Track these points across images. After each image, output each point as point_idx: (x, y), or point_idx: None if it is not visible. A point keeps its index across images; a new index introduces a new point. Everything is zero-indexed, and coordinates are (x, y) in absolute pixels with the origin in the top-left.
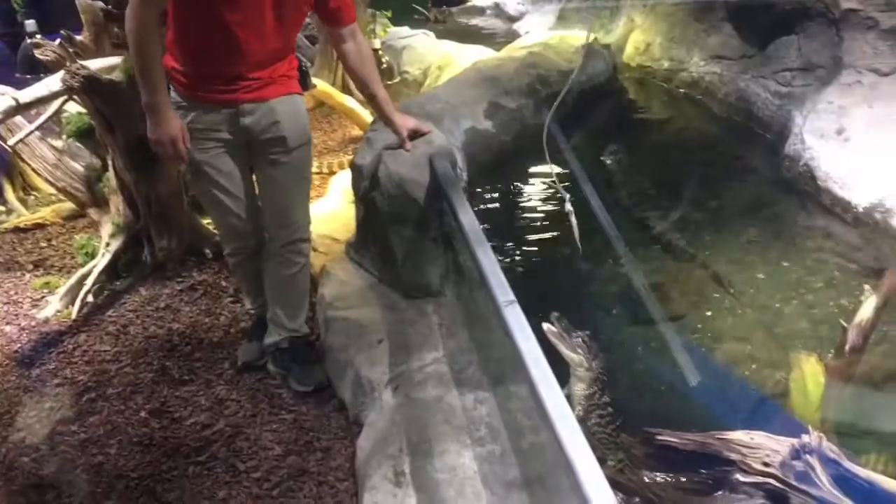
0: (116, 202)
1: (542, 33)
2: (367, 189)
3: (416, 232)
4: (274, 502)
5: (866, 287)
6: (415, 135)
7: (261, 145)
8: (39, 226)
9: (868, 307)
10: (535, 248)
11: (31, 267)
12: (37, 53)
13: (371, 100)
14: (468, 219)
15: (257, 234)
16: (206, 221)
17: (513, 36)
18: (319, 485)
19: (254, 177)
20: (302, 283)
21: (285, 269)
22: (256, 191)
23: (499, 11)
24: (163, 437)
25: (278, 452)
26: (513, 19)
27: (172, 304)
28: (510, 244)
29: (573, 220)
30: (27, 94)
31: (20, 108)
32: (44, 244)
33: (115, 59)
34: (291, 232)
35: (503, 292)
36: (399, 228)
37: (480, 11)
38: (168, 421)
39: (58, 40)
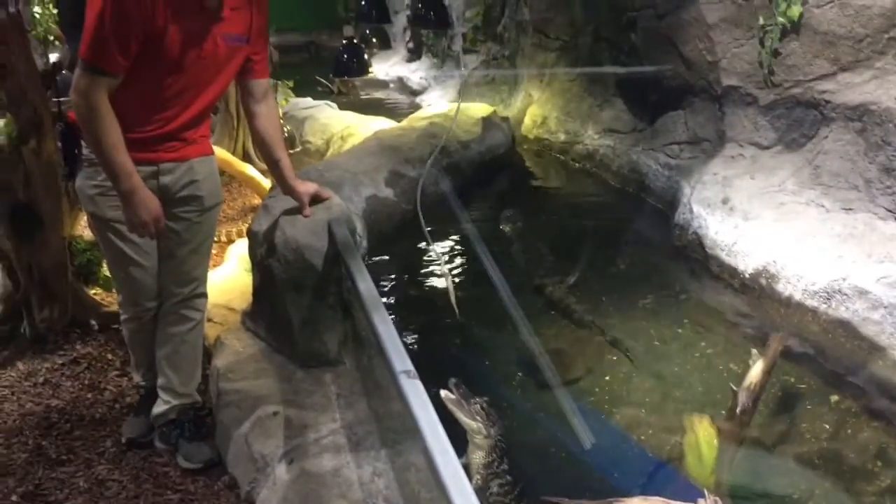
0: None
1: (443, 105)
2: (264, 255)
3: (314, 299)
4: None
5: (753, 351)
6: (315, 200)
7: (175, 203)
8: None
9: (756, 370)
10: (434, 316)
11: None
12: None
13: (274, 165)
14: (366, 286)
15: (160, 297)
16: (92, 291)
17: (415, 109)
18: None
19: None
20: (194, 343)
21: (179, 327)
22: None
23: (401, 85)
24: None
25: None
26: (415, 93)
27: (52, 378)
28: (409, 313)
29: (449, 283)
30: None
31: None
32: None
33: None
34: (192, 288)
35: (401, 361)
36: (296, 296)
37: (384, 85)
38: None
39: None
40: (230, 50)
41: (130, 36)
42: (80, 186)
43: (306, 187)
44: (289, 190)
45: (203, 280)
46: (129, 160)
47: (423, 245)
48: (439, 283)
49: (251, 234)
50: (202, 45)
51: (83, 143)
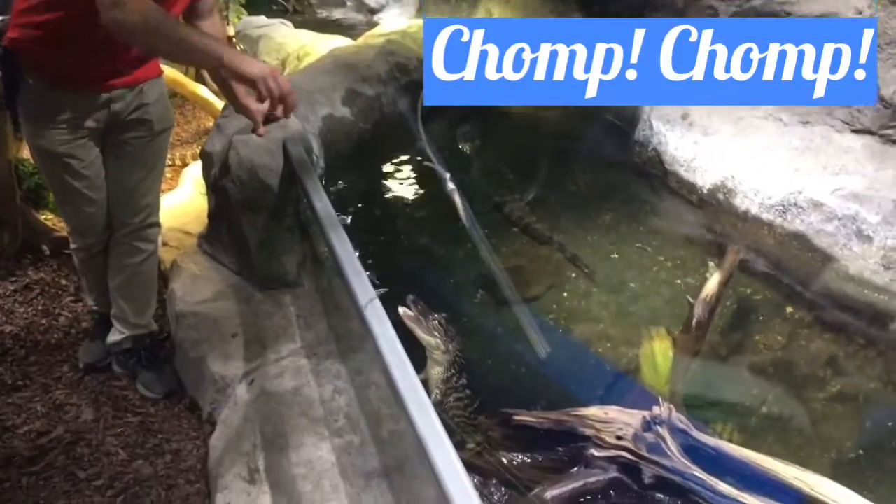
0: None
1: (401, 22)
2: (218, 177)
3: (271, 220)
4: None
5: (710, 264)
6: (269, 119)
7: (123, 128)
8: None
9: (712, 283)
10: (393, 235)
11: None
12: None
13: (222, 82)
14: (323, 206)
15: (110, 228)
16: (43, 217)
17: (373, 27)
18: (168, 489)
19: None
20: (148, 274)
21: (131, 258)
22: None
23: (359, 4)
24: None
25: (123, 458)
26: (373, 11)
27: (5, 304)
28: (367, 231)
29: (457, 198)
30: None
31: None
32: None
33: None
34: (143, 217)
35: (359, 280)
36: (252, 217)
37: (340, 3)
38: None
39: None
40: None
41: None
42: (25, 117)
43: (258, 104)
44: (240, 107)
45: (155, 209)
46: (207, 35)
47: (395, 168)
48: (397, 201)
49: (204, 156)
50: None
51: (25, 69)
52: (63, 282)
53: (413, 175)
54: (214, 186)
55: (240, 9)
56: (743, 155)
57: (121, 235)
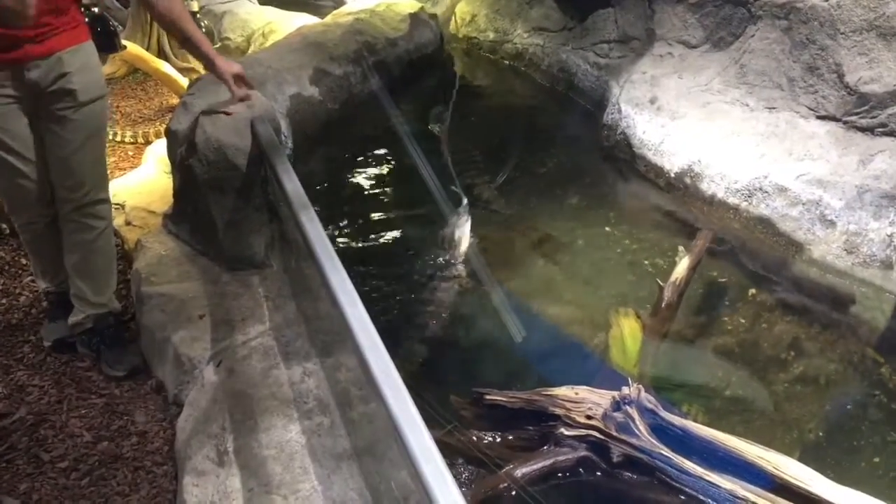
0: None
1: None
2: (184, 156)
3: (238, 200)
4: (83, 492)
5: (680, 248)
6: (239, 81)
7: (48, 99)
8: None
9: (682, 266)
10: (362, 218)
11: None
12: None
13: (185, 42)
14: (293, 186)
15: (52, 205)
16: None
17: (339, 5)
18: (135, 470)
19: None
20: (104, 251)
21: (82, 235)
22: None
23: None
24: None
25: (88, 439)
26: None
27: None
28: (337, 212)
29: (466, 227)
30: None
31: None
32: None
33: None
34: (84, 193)
35: (331, 263)
36: (219, 197)
37: None
38: None
39: None
40: None
41: None
42: None
43: (228, 65)
44: (208, 64)
45: (100, 185)
46: None
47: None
48: (365, 181)
49: (170, 134)
50: None
51: None
52: (23, 261)
53: (382, 159)
54: (180, 165)
55: None
56: (710, 139)
57: (67, 212)
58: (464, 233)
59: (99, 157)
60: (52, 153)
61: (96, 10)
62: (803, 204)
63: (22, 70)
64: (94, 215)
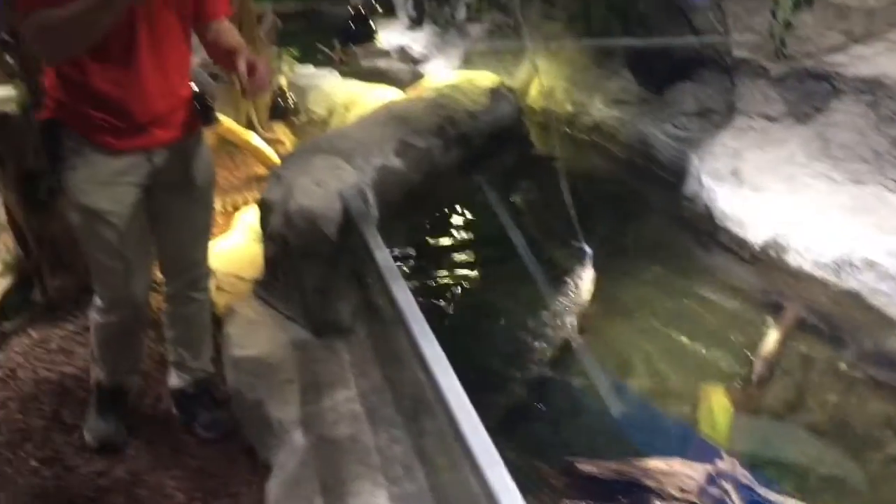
0: (5, 239)
1: (449, 74)
2: (278, 225)
3: (327, 268)
4: None
5: (769, 320)
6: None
7: (166, 188)
8: None
9: (772, 339)
10: (448, 288)
11: None
12: None
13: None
14: (382, 255)
15: (146, 302)
16: None
17: (417, 78)
18: None
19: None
20: (204, 319)
21: (187, 308)
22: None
23: (403, 54)
24: (56, 487)
25: (181, 500)
26: (416, 62)
27: (65, 346)
28: (424, 282)
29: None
30: None
31: None
32: None
33: (8, 91)
34: (195, 271)
35: (421, 330)
36: (309, 265)
37: (385, 53)
38: (61, 469)
39: None
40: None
41: None
42: (72, 181)
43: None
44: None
45: (205, 258)
46: None
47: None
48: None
49: (264, 204)
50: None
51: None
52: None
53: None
54: (273, 235)
55: (292, 60)
56: (795, 212)
57: (174, 289)
58: (587, 278)
59: (208, 235)
60: (167, 237)
61: (194, 86)
62: (894, 278)
63: (147, 160)
64: (198, 288)
